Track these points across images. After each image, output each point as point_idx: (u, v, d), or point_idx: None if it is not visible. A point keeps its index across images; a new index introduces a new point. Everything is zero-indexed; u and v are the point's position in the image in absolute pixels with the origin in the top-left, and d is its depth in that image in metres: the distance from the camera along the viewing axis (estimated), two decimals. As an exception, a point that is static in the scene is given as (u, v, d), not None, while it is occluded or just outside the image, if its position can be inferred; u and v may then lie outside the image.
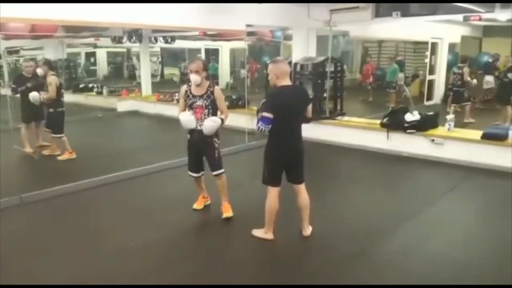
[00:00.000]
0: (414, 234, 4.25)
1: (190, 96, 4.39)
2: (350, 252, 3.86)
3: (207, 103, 4.35)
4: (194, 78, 4.30)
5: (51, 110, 6.76)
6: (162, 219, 4.61)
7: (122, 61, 20.09)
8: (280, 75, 3.78)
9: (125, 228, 4.40)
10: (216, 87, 4.47)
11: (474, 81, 9.77)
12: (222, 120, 4.39)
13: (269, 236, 4.01)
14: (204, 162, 4.64)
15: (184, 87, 4.50)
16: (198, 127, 4.37)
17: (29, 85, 7.11)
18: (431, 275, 3.47)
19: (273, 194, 3.92)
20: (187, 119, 4.35)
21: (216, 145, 4.52)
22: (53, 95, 6.61)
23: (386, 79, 13.07)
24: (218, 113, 4.45)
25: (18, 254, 3.81)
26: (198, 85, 4.36)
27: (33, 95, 6.71)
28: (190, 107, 4.40)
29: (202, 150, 4.55)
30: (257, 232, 4.09)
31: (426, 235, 4.23)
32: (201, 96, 4.36)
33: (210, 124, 4.30)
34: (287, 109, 3.75)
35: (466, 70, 9.52)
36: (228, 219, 4.53)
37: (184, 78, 16.84)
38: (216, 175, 4.59)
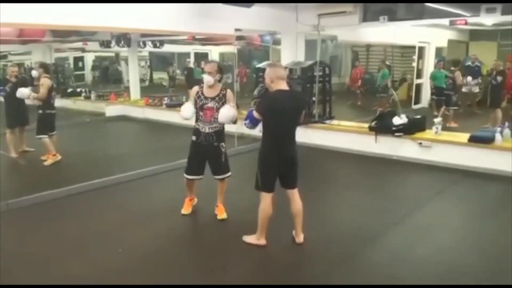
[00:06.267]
0: (402, 239, 4.27)
1: (202, 97, 4.37)
2: (338, 258, 3.86)
3: (218, 106, 4.34)
4: (207, 78, 4.31)
5: (39, 111, 6.71)
6: (151, 225, 4.58)
7: (109, 66, 20.02)
8: (275, 79, 3.73)
9: (114, 234, 4.35)
10: (228, 90, 4.46)
11: (469, 78, 9.73)
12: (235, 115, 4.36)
13: (262, 242, 3.98)
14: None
15: (195, 88, 4.49)
16: (207, 130, 4.36)
17: (11, 85, 6.98)
18: (419, 279, 3.48)
19: (266, 200, 3.86)
20: (186, 107, 4.46)
21: (223, 149, 4.51)
22: (43, 96, 6.54)
23: (376, 84, 13.11)
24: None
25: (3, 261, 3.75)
26: (210, 87, 4.36)
27: (22, 91, 6.58)
28: (201, 108, 4.37)
29: (208, 154, 4.50)
30: (248, 238, 4.05)
31: (414, 239, 4.24)
32: (213, 98, 4.35)
33: (225, 110, 4.26)
34: (281, 113, 3.69)
35: (458, 74, 9.51)
36: (222, 220, 4.59)
37: (173, 83, 16.83)
38: (222, 179, 4.60)
